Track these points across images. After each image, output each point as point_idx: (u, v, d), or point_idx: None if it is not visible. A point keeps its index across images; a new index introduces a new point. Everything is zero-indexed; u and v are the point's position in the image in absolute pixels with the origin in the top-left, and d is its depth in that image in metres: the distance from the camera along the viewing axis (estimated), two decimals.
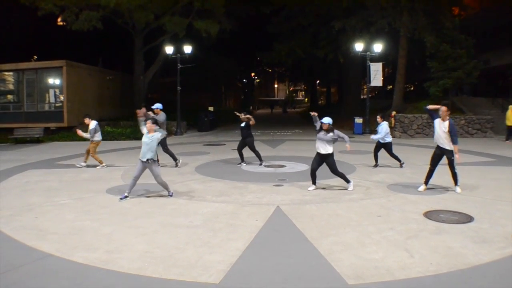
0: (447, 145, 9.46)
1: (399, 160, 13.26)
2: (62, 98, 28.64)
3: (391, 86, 41.34)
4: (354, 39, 29.17)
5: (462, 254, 5.72)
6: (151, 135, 9.22)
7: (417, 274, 5.11)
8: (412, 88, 44.11)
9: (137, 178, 9.25)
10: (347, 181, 10.05)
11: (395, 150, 13.64)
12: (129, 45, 34.20)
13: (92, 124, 13.97)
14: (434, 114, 9.79)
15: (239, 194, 9.64)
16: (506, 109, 22.34)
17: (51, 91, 29.76)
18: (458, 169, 9.72)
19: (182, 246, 6.18)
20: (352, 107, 36.58)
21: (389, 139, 13.14)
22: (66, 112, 27.90)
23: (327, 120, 9.68)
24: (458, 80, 25.17)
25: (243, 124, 13.99)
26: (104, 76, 33.78)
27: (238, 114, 14.42)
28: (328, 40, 35.46)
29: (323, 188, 10.14)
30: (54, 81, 29.54)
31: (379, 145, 13.34)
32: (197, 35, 32.33)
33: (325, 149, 9.71)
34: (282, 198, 9.10)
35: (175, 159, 13.96)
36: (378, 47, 26.53)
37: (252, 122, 13.94)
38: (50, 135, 25.54)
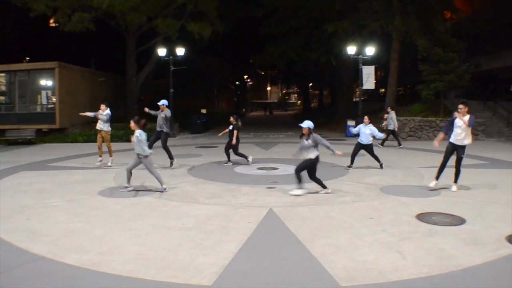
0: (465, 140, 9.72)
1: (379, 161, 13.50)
2: (54, 99, 28.56)
3: (383, 89, 41.51)
4: (347, 42, 29.27)
5: (454, 256, 5.74)
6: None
7: (409, 276, 5.11)
8: (402, 91, 44.19)
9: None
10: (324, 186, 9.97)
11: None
12: (121, 47, 34.16)
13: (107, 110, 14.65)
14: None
15: (232, 196, 9.63)
16: (497, 112, 22.35)
17: (43, 93, 29.69)
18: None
19: (174, 248, 6.16)
20: (344, 110, 36.73)
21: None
22: (58, 113, 27.82)
23: (306, 124, 9.69)
24: (450, 83, 25.27)
25: (231, 127, 14.48)
26: (96, 78, 33.70)
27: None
28: (320, 43, 35.59)
29: (316, 192, 10.13)
30: (46, 82, 29.45)
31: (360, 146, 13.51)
32: (190, 37, 32.34)
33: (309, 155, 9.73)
34: (275, 200, 9.09)
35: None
36: (370, 50, 26.62)
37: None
38: (42, 137, 25.43)
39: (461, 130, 9.68)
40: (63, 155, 17.58)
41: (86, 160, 16.41)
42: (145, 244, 6.33)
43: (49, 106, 29.15)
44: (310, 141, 9.58)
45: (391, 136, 20.28)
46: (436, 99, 26.77)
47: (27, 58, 42.25)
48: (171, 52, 28.69)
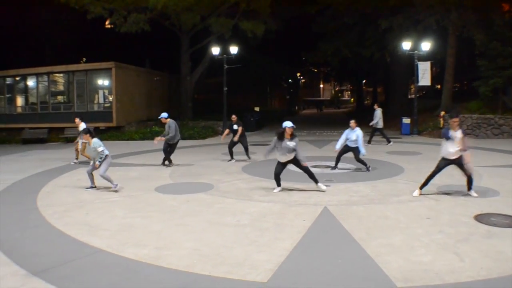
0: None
1: (365, 164, 12.82)
2: (111, 98, 29.33)
3: (439, 86, 40.50)
4: (401, 37, 28.69)
5: None
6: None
7: (467, 278, 4.99)
8: (459, 88, 42.99)
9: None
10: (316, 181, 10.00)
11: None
12: (175, 46, 34.69)
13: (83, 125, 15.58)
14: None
15: (286, 194, 9.66)
16: None
17: (100, 92, 30.57)
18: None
19: (230, 244, 6.24)
20: (399, 107, 36.01)
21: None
22: (115, 112, 28.56)
23: (290, 123, 9.63)
24: (509, 79, 24.40)
25: (235, 127, 15.38)
26: (151, 77, 34.39)
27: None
28: (374, 39, 35.07)
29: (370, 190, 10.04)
30: (103, 82, 30.34)
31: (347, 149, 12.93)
32: (243, 35, 32.52)
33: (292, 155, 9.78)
34: (330, 199, 9.06)
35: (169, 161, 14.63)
36: (426, 46, 26.01)
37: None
38: (99, 135, 26.16)
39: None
40: (120, 152, 18.06)
41: (142, 157, 16.82)
42: (201, 240, 6.45)
43: (106, 105, 29.96)
44: (294, 143, 9.65)
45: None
46: (494, 95, 25.89)
47: (84, 59, 43.53)
48: (224, 50, 28.93)
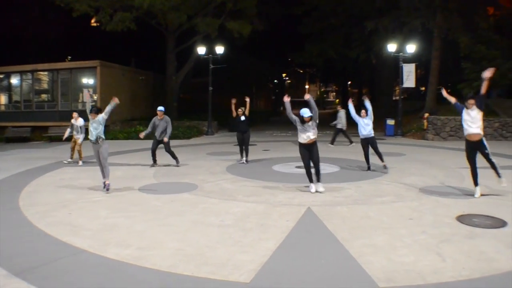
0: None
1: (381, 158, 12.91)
2: (95, 97, 29.13)
3: (423, 88, 40.86)
4: (387, 39, 28.89)
5: (495, 259, 5.60)
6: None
7: (449, 278, 5.01)
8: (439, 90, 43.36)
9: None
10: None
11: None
12: (161, 46, 34.62)
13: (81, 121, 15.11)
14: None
15: (270, 194, 9.65)
16: None
17: (85, 91, 30.31)
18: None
19: (213, 244, 6.22)
20: (384, 109, 36.26)
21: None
22: None
23: (307, 112, 9.60)
24: (493, 82, 24.62)
25: (242, 118, 14.96)
26: (137, 76, 34.26)
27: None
28: (360, 41, 35.32)
29: (354, 191, 10.07)
30: (88, 80, 30.13)
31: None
32: (229, 35, 32.57)
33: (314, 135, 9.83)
34: (313, 199, 9.06)
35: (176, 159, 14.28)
36: (411, 48, 26.19)
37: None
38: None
39: (470, 121, 9.49)
40: None
41: (127, 156, 16.72)
42: (184, 240, 6.42)
43: (91, 104, 29.72)
44: (312, 121, 9.71)
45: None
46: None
47: (69, 57, 43.20)
48: (210, 50, 28.91)
